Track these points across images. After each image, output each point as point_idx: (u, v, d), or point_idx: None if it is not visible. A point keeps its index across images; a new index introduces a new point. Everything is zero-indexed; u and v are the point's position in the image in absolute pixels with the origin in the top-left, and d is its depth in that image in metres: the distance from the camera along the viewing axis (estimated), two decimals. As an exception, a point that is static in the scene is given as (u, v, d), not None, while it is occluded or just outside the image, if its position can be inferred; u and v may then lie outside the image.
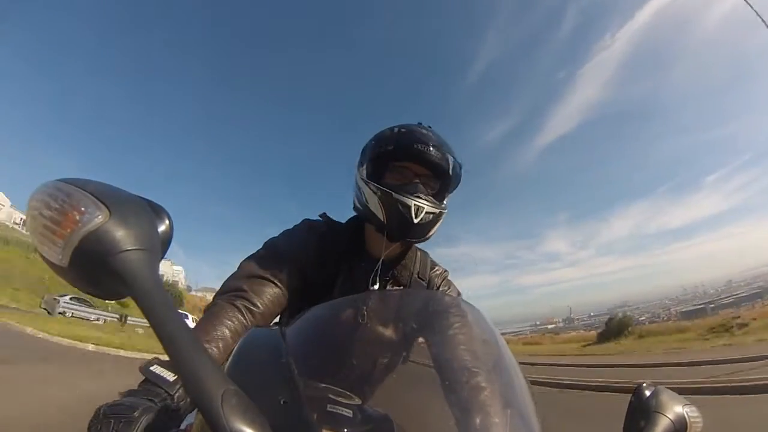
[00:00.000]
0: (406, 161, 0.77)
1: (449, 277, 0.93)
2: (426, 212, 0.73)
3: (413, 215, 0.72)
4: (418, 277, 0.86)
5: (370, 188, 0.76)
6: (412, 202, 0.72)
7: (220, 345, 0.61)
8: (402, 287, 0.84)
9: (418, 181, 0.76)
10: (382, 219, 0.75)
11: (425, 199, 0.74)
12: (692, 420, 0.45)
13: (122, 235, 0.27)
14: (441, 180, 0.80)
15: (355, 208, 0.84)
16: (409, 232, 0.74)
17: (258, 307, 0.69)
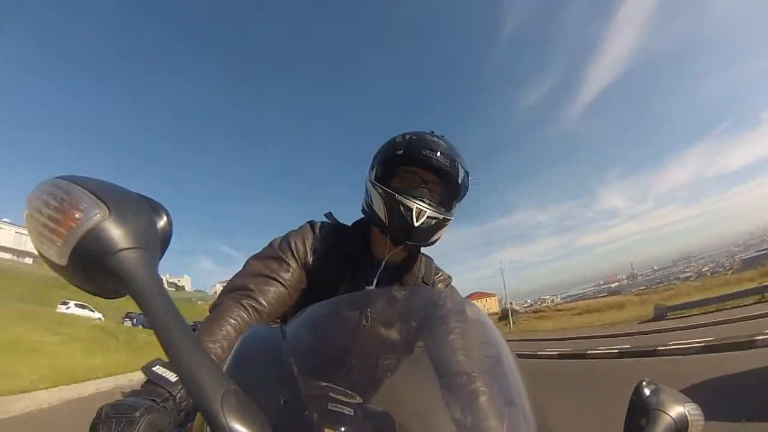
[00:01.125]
0: (415, 166, 0.78)
1: (452, 284, 0.94)
2: (428, 216, 0.74)
3: (414, 218, 0.73)
4: (423, 281, 0.86)
5: (376, 190, 0.77)
6: (414, 205, 0.73)
7: (225, 344, 0.61)
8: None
9: (424, 186, 0.78)
10: (384, 220, 0.75)
11: (428, 204, 0.75)
12: (693, 418, 0.45)
13: (121, 234, 0.27)
14: (448, 187, 0.81)
15: (362, 210, 0.85)
16: (409, 234, 0.75)
17: (264, 306, 0.70)
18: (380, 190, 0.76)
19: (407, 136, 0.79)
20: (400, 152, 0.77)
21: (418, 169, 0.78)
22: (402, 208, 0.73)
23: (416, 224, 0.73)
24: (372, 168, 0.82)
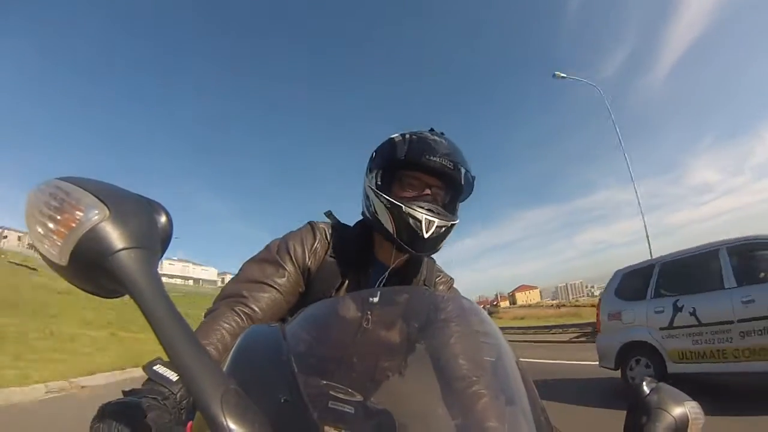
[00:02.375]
0: (417, 171, 0.76)
1: (454, 285, 0.92)
2: (437, 226, 0.72)
3: (424, 229, 0.71)
4: (424, 283, 0.85)
5: (380, 199, 0.75)
6: (423, 216, 0.71)
7: (220, 347, 0.62)
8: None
9: (429, 192, 0.76)
10: (392, 232, 0.74)
11: (436, 213, 0.74)
12: (693, 416, 0.45)
13: (121, 234, 0.27)
14: (452, 190, 0.79)
15: (363, 215, 0.83)
16: (419, 245, 0.73)
17: (257, 312, 0.70)
18: (385, 201, 0.74)
19: (407, 137, 0.77)
20: (402, 157, 0.75)
21: (420, 174, 0.76)
22: (410, 220, 0.71)
23: (426, 236, 0.71)
24: (370, 171, 0.80)
